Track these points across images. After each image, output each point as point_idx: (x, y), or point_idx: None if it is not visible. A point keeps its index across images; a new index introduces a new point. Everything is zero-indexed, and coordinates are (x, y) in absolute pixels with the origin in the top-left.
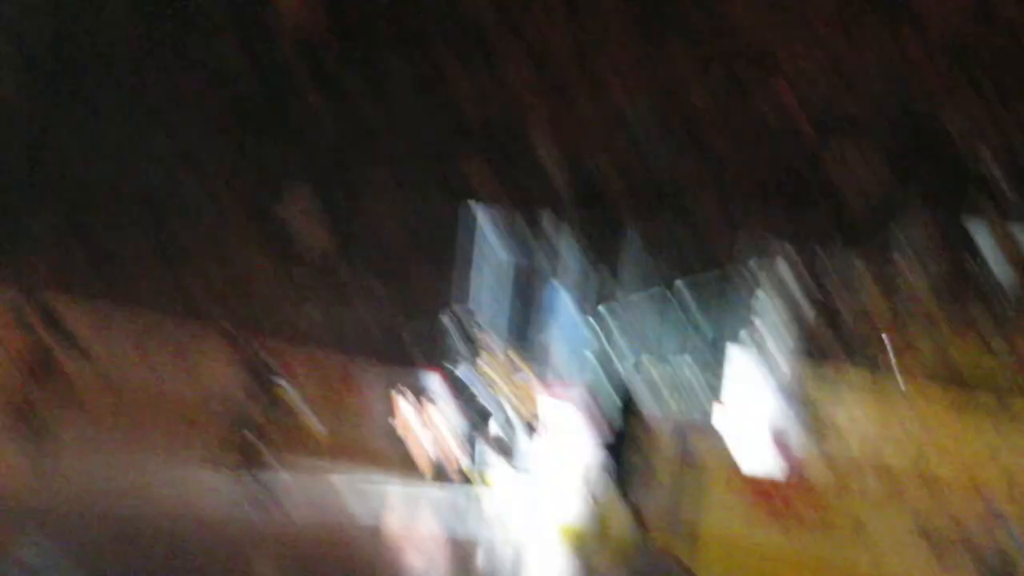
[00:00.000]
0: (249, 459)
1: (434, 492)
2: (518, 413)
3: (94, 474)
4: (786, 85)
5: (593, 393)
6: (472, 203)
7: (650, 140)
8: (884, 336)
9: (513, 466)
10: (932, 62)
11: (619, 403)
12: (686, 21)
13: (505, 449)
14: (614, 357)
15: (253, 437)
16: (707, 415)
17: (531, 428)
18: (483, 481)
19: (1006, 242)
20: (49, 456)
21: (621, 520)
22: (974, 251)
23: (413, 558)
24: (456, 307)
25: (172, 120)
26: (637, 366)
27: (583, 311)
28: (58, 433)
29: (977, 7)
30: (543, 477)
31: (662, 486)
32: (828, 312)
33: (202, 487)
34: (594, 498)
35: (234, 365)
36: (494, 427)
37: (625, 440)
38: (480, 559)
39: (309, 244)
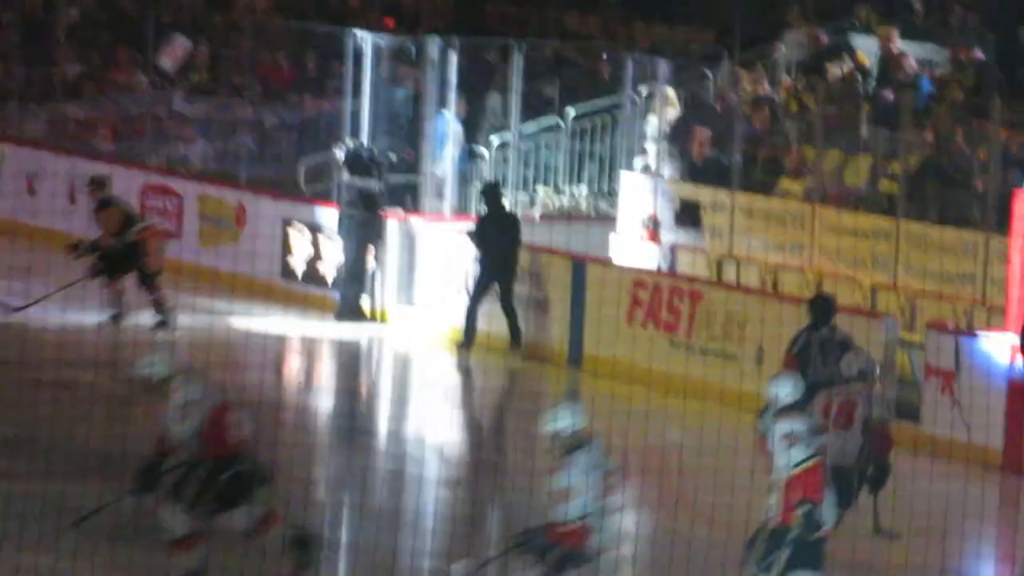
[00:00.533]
0: None
1: (330, 326)
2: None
3: None
4: None
5: (484, 224)
6: (357, 31)
7: None
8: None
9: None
10: None
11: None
12: None
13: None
14: (508, 187)
15: None
16: (604, 247)
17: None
18: (375, 315)
19: (893, 58)
20: None
21: (503, 335)
22: (864, 70)
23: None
24: (347, 139)
25: None
26: (532, 196)
27: (474, 141)
28: None
29: None
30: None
31: (555, 315)
32: (716, 135)
33: None
34: (474, 311)
35: None
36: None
37: (512, 268)
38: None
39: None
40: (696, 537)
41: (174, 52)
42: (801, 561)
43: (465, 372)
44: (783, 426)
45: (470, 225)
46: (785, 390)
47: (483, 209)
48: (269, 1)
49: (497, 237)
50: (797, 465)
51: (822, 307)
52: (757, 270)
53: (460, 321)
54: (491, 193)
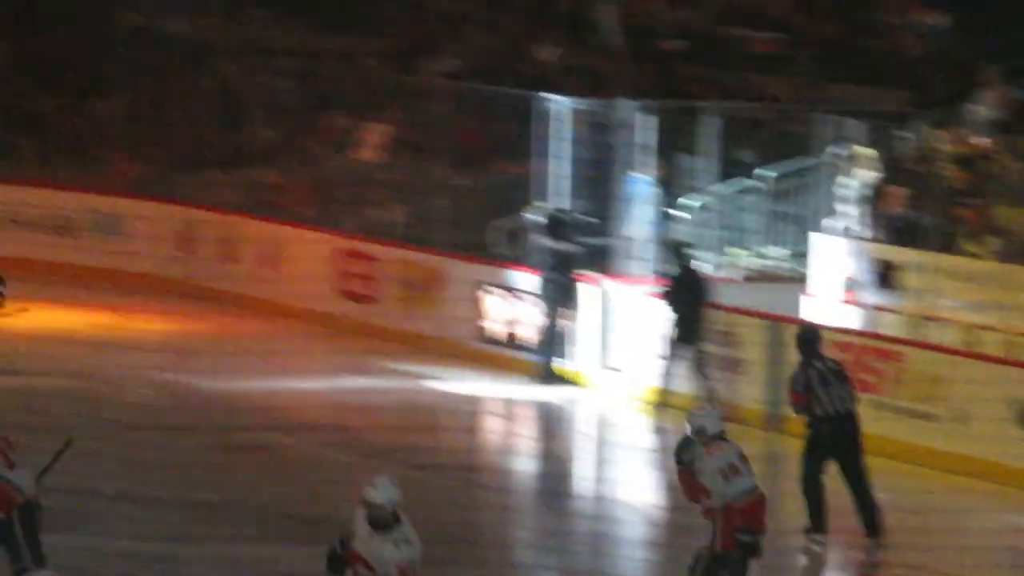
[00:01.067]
0: None
1: (527, 389)
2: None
3: None
4: None
5: (683, 285)
6: (549, 96)
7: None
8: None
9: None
10: None
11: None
12: None
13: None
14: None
15: None
16: (795, 308)
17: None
18: (567, 377)
19: None
20: None
21: (695, 396)
22: None
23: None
24: (542, 203)
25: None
26: (726, 257)
27: (670, 204)
28: None
29: None
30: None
31: (752, 375)
32: (911, 196)
33: None
34: (666, 374)
35: None
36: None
37: (700, 326)
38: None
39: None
40: None
41: (372, 137)
42: None
43: (662, 433)
44: (718, 458)
45: (662, 287)
46: (711, 422)
47: (674, 270)
48: (461, 66)
49: (686, 299)
50: (743, 495)
51: (808, 339)
52: (955, 330)
53: (657, 383)
54: (681, 254)
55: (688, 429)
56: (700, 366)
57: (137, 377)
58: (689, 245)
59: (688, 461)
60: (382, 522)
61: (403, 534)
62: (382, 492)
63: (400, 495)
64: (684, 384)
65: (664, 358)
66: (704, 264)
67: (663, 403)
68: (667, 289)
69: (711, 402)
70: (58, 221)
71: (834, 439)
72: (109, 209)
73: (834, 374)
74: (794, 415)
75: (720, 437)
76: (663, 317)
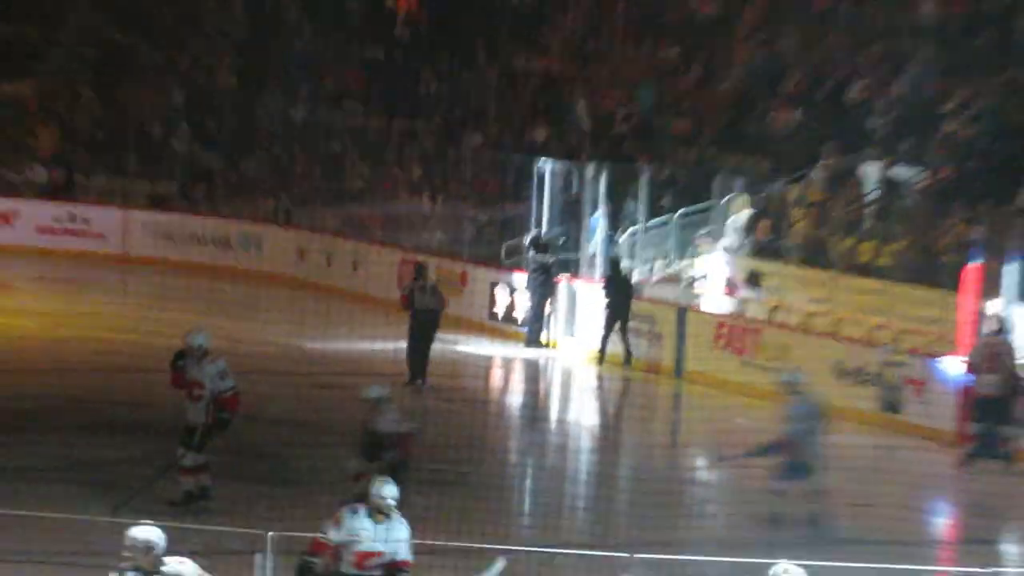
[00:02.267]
0: None
1: (519, 351)
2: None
3: None
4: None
5: (614, 283)
6: (541, 159)
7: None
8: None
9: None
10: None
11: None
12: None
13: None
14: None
15: None
16: (696, 297)
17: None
18: (549, 344)
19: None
20: None
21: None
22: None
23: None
24: (533, 229)
25: None
26: (651, 267)
27: (614, 231)
28: None
29: None
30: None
31: (664, 340)
32: (773, 229)
33: None
34: (605, 340)
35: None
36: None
37: (628, 312)
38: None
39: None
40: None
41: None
42: None
43: (600, 378)
44: (216, 365)
45: (603, 285)
46: (203, 339)
47: (608, 273)
48: (483, 140)
49: (616, 292)
50: (228, 390)
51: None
52: (797, 315)
53: (599, 347)
54: (613, 264)
55: (188, 344)
56: (623, 336)
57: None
58: (618, 259)
59: (180, 366)
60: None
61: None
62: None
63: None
64: (614, 347)
65: (603, 331)
66: (634, 270)
67: (602, 359)
68: (605, 286)
69: (628, 359)
70: (219, 239)
71: None
72: (252, 231)
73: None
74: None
75: (205, 353)
76: (603, 305)
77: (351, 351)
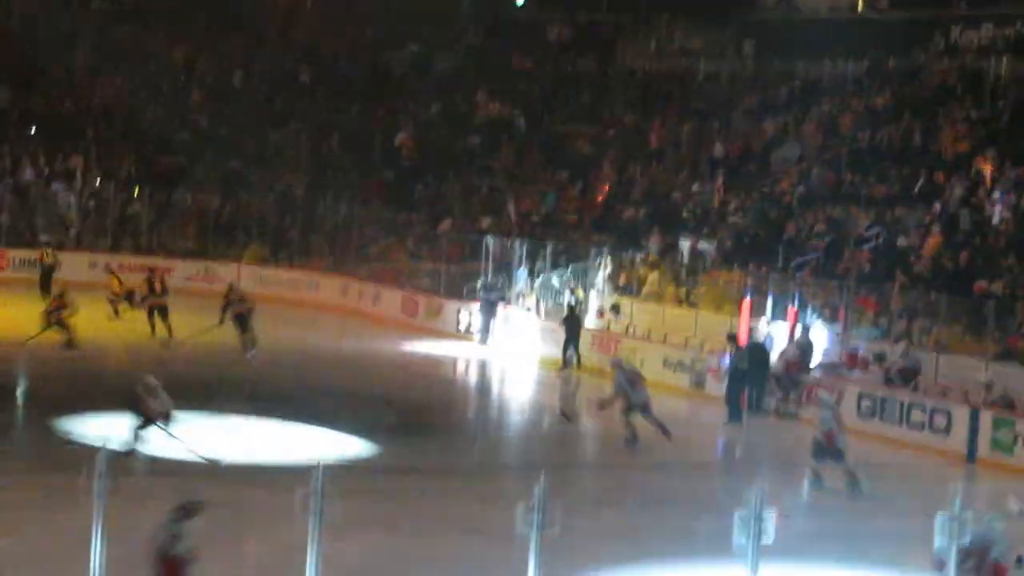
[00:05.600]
0: None
1: (472, 352)
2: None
3: None
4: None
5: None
6: (489, 236)
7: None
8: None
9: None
10: None
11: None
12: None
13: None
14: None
15: None
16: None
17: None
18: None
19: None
20: None
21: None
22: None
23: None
24: (482, 277)
25: None
26: (572, 293)
27: (534, 275)
28: None
29: None
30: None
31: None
32: (620, 277)
33: None
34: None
35: None
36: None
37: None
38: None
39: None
40: None
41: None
42: None
43: (539, 378)
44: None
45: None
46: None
47: (566, 313)
48: (453, 224)
49: (570, 324)
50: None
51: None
52: (641, 330)
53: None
54: (570, 308)
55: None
56: (576, 351)
57: (324, 348)
58: (573, 304)
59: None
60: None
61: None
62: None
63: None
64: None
65: (563, 348)
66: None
67: (564, 366)
68: (564, 320)
69: (578, 364)
70: (293, 281)
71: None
72: (309, 278)
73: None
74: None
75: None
76: (563, 332)
77: (370, 351)
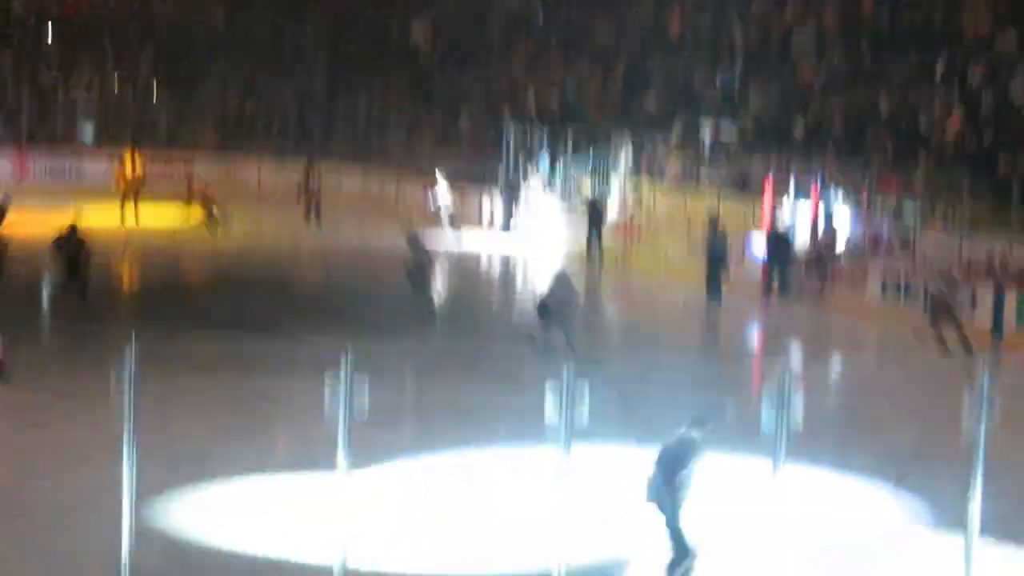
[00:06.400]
0: None
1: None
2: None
3: None
4: None
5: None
6: (509, 127)
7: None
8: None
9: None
10: None
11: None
12: None
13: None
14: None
15: None
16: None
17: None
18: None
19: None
20: None
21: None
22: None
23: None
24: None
25: None
26: (579, 182)
27: (555, 162)
28: None
29: None
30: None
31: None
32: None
33: None
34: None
35: None
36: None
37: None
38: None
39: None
40: None
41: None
42: None
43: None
44: None
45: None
46: None
47: (591, 208)
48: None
49: (594, 217)
50: None
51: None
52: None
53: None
54: (594, 202)
55: None
56: (599, 243)
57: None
58: (596, 199)
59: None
60: None
61: None
62: None
63: None
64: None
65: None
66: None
67: (589, 255)
68: (589, 214)
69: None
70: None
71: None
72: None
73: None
74: None
75: None
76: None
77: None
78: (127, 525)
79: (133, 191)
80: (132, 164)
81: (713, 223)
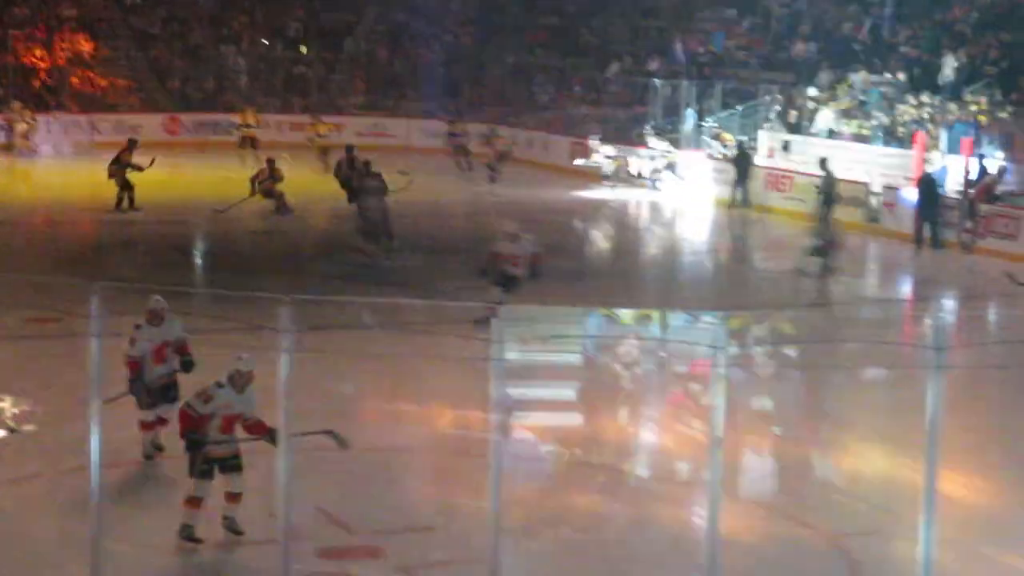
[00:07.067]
0: None
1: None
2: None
3: None
4: None
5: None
6: (656, 79)
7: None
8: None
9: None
10: None
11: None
12: None
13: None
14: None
15: None
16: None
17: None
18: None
19: None
20: None
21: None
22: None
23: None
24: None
25: None
26: (718, 139)
27: (700, 119)
28: None
29: None
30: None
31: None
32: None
33: None
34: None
35: None
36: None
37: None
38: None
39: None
40: None
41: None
42: None
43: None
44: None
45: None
46: None
47: (736, 156)
48: (622, 68)
49: (740, 165)
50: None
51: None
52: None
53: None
54: (741, 149)
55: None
56: (744, 189)
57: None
58: (744, 146)
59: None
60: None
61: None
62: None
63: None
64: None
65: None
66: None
67: (731, 204)
68: (735, 162)
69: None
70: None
71: None
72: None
73: None
74: None
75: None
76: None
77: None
78: None
79: (249, 144)
80: (251, 119)
81: (823, 162)
